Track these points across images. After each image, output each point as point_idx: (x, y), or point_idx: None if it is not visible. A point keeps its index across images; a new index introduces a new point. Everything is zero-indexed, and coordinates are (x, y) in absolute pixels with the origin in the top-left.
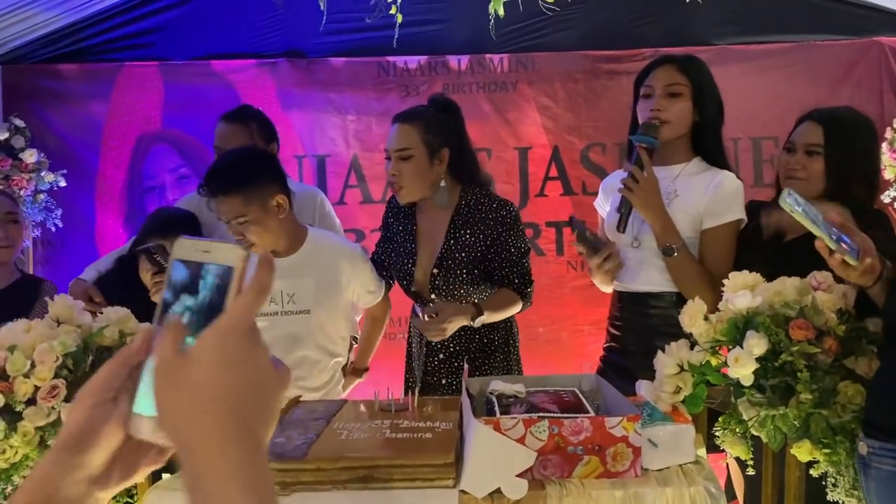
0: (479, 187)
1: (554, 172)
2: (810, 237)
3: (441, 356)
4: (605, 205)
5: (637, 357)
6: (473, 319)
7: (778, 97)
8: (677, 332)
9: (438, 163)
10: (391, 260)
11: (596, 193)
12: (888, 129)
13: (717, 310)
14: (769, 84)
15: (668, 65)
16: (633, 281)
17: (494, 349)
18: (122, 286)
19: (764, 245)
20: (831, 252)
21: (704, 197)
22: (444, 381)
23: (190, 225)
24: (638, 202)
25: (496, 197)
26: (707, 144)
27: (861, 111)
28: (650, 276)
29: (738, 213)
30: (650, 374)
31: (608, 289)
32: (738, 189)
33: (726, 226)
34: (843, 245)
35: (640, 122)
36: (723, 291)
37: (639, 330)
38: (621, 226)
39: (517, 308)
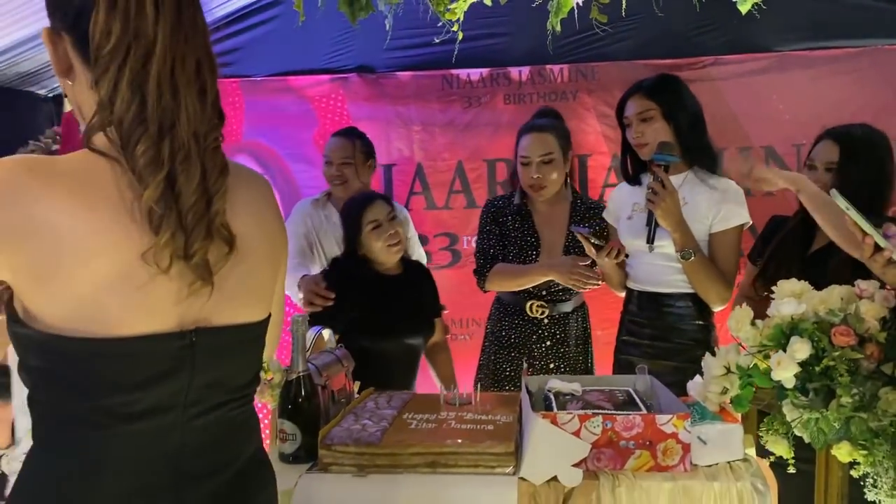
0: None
1: (613, 179)
2: (833, 247)
3: (548, 343)
4: (613, 215)
5: (651, 349)
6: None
7: (844, 103)
8: (689, 328)
9: (567, 164)
10: (512, 254)
11: None
12: None
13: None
14: (835, 90)
15: (638, 94)
16: (650, 283)
17: (585, 338)
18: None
19: (794, 257)
20: (877, 249)
21: (712, 203)
22: (552, 365)
23: (383, 198)
24: (660, 213)
25: (595, 200)
26: (694, 154)
27: (875, 127)
28: (665, 279)
29: (744, 217)
30: (662, 364)
31: (621, 292)
32: (740, 194)
33: (734, 229)
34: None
35: (633, 146)
36: (767, 297)
37: (655, 326)
38: (650, 238)
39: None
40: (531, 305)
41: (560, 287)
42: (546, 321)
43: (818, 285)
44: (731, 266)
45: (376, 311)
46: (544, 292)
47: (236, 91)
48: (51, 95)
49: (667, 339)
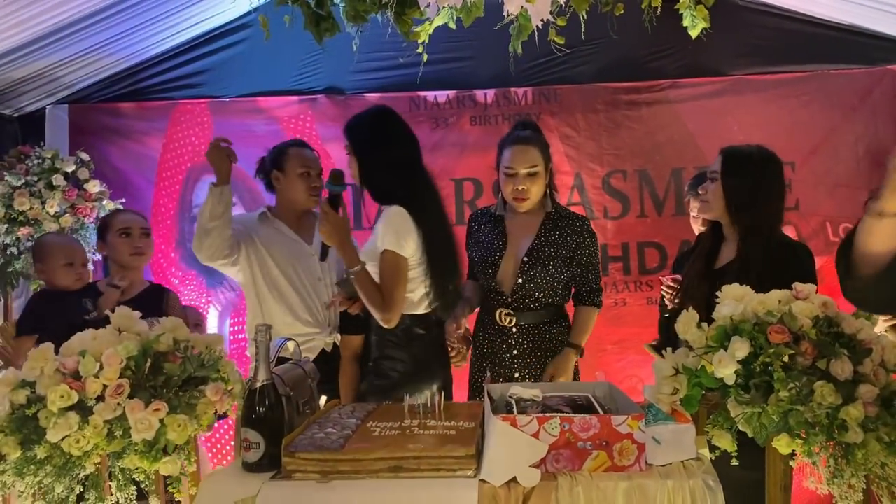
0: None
1: (576, 198)
2: (734, 265)
3: (515, 352)
4: None
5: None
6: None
7: (794, 125)
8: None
9: (548, 176)
10: (477, 256)
11: (616, 218)
12: None
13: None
14: (785, 113)
15: (345, 132)
16: None
17: (562, 350)
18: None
19: (703, 273)
20: None
21: (377, 232)
22: (516, 375)
23: None
24: (324, 234)
25: (575, 212)
26: (372, 188)
27: (768, 148)
28: None
29: (385, 244)
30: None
31: None
32: (388, 223)
33: (381, 255)
34: None
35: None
36: None
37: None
38: (323, 255)
39: (595, 317)
40: (500, 313)
41: (530, 295)
42: (514, 330)
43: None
44: (387, 289)
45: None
46: (510, 300)
47: (205, 112)
48: (16, 115)
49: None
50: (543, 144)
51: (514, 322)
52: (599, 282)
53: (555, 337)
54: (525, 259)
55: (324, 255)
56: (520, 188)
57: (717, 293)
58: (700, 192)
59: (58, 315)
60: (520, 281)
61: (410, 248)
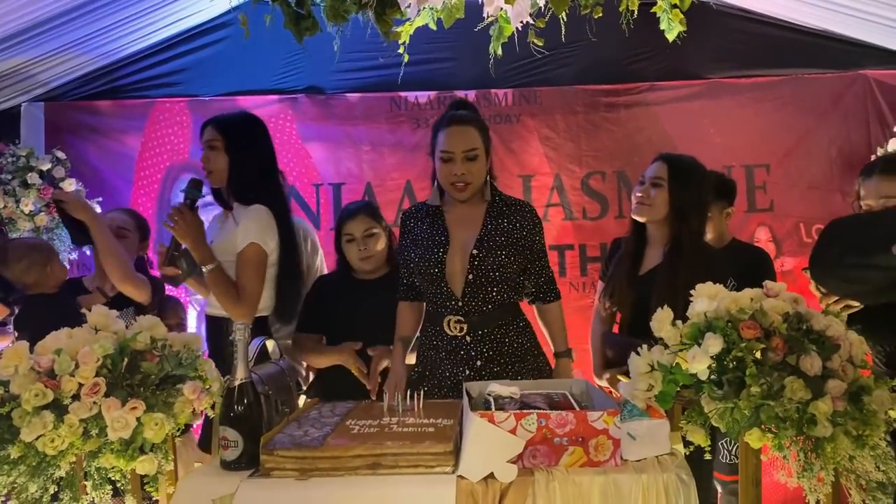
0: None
1: (556, 199)
2: (663, 271)
3: (479, 363)
4: None
5: None
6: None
7: (769, 127)
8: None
9: (489, 161)
10: (417, 256)
11: (595, 219)
12: (873, 156)
13: None
14: (760, 115)
15: (209, 125)
16: None
17: (525, 353)
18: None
19: (629, 278)
20: None
21: (238, 230)
22: None
23: (367, 212)
24: (178, 234)
25: (518, 198)
26: (236, 189)
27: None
28: None
29: (250, 238)
30: None
31: None
32: (254, 220)
33: (242, 251)
34: None
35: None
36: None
37: None
38: (168, 259)
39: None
40: (448, 322)
41: (483, 293)
42: (468, 339)
43: (648, 302)
44: (245, 283)
45: (350, 311)
46: (460, 302)
47: (184, 111)
48: None
49: None
50: (482, 125)
51: (465, 330)
52: (552, 271)
53: (515, 339)
54: (474, 252)
55: (169, 258)
56: (458, 173)
57: (645, 298)
58: (639, 194)
59: (57, 317)
60: (470, 277)
61: (272, 245)
